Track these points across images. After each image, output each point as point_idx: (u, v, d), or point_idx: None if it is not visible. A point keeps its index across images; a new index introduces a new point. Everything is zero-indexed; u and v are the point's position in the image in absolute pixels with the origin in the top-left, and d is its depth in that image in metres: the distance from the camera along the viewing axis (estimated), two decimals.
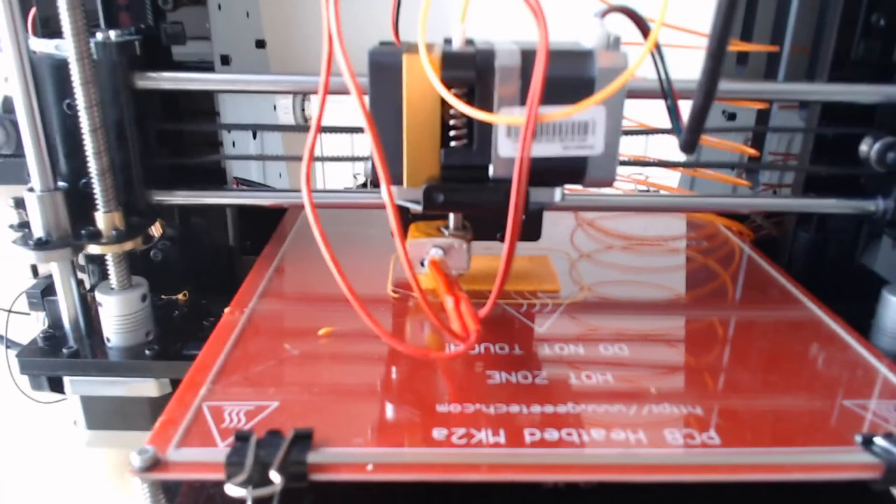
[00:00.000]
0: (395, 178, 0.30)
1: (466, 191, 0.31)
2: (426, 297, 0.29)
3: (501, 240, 0.37)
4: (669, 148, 0.59)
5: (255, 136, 0.54)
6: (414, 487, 0.25)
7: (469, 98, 0.28)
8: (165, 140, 0.42)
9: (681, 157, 0.50)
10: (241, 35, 0.51)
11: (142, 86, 0.39)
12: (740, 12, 0.52)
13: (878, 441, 0.25)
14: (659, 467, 0.24)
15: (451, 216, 0.34)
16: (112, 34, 0.38)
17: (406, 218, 0.36)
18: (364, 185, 0.62)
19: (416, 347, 0.32)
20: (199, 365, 0.30)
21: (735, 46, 0.50)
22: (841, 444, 0.25)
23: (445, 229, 0.35)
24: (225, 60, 0.46)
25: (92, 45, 0.35)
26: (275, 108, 0.57)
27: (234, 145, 0.49)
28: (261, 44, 0.55)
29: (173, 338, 0.39)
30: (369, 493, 0.26)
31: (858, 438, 0.25)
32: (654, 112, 0.41)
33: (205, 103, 0.46)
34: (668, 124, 0.30)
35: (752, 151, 0.46)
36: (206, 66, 0.45)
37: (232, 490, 0.23)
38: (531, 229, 0.36)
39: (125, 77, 0.38)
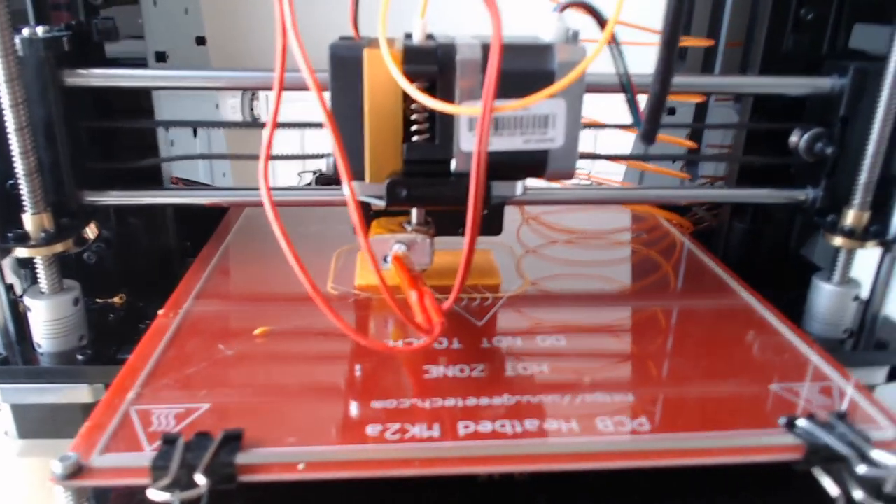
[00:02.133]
0: (357, 174, 0.30)
1: (429, 185, 0.31)
2: (391, 292, 0.28)
3: (463, 234, 0.37)
4: (616, 144, 0.60)
5: (195, 135, 0.53)
6: (357, 484, 0.25)
7: (430, 92, 0.28)
8: (98, 139, 0.41)
9: (623, 152, 0.51)
10: (179, 31, 0.50)
11: (71, 83, 0.37)
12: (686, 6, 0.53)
13: (801, 423, 0.25)
14: (589, 455, 0.24)
15: (414, 211, 0.34)
16: (39, 30, 0.37)
17: (368, 214, 0.36)
18: (317, 181, 0.62)
19: (378, 342, 0.32)
20: (128, 368, 0.29)
21: None
22: (766, 427, 0.26)
23: (408, 225, 0.34)
24: (161, 57, 0.45)
25: (17, 41, 0.34)
26: (217, 106, 0.56)
27: (172, 144, 0.48)
28: (201, 41, 0.54)
29: (108, 342, 0.38)
30: (315, 491, 0.26)
31: (782, 421, 0.26)
32: (605, 108, 0.42)
33: (140, 102, 0.45)
34: (614, 120, 0.31)
35: (691, 144, 0.47)
36: (143, 64, 0.44)
37: (156, 495, 0.22)
38: (493, 224, 0.36)
39: (53, 74, 0.37)
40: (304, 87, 0.26)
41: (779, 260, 0.46)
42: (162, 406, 0.27)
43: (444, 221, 0.35)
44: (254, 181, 0.29)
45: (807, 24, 0.43)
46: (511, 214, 0.50)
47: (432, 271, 0.34)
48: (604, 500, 0.26)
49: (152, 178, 0.44)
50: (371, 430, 0.25)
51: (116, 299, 0.42)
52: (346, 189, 0.27)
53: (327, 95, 0.29)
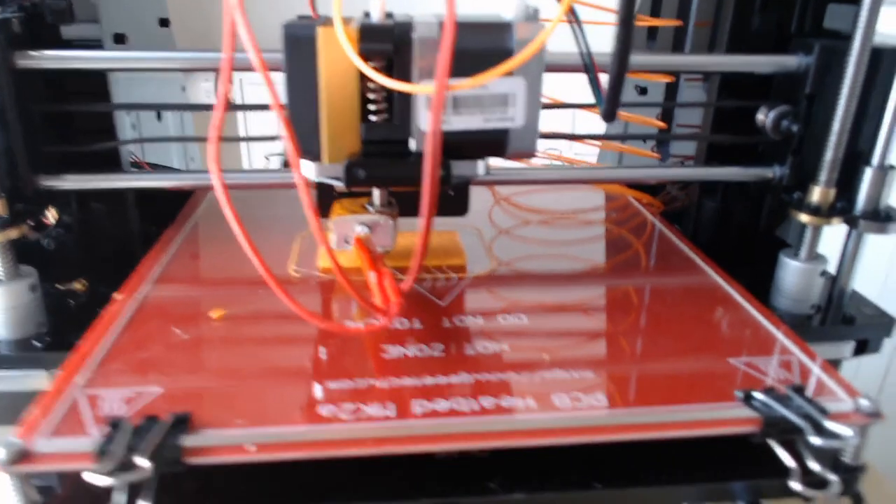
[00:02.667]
0: (315, 155, 0.29)
1: (388, 166, 0.30)
2: (345, 273, 0.28)
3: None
4: (596, 127, 0.59)
5: (159, 118, 0.52)
6: (314, 466, 0.25)
7: (387, 71, 0.28)
8: (55, 123, 0.40)
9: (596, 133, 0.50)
10: (140, 13, 0.49)
11: (23, 65, 0.36)
12: None
13: (758, 396, 0.25)
14: (544, 431, 0.24)
15: (376, 193, 0.34)
16: None
17: (330, 195, 0.35)
18: (284, 163, 0.61)
19: (334, 323, 0.32)
20: (79, 353, 0.28)
21: (644, 22, 0.50)
22: (724, 400, 0.26)
23: (371, 206, 0.34)
24: (120, 39, 0.44)
25: None
26: (184, 89, 0.55)
27: (134, 128, 0.47)
28: (164, 22, 0.53)
29: (68, 328, 0.37)
30: (270, 474, 0.25)
31: (739, 394, 0.26)
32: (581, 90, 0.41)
33: (100, 86, 0.44)
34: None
35: (660, 124, 0.47)
36: (100, 46, 0.43)
37: (94, 478, 0.22)
38: (458, 203, 0.36)
39: (4, 56, 0.36)
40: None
41: (750, 238, 0.46)
42: (112, 390, 0.26)
43: (409, 202, 0.34)
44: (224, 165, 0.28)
45: (774, 3, 0.43)
46: (483, 196, 0.50)
47: (397, 252, 0.34)
48: (562, 475, 0.26)
49: (111, 163, 0.43)
50: (325, 410, 0.25)
51: (78, 285, 0.41)
52: (294, 170, 0.26)
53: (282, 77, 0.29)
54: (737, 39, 0.43)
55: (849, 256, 0.40)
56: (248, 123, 1.10)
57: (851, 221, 0.39)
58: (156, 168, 0.52)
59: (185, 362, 0.29)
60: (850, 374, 0.35)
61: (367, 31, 0.28)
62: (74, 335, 0.37)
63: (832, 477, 0.24)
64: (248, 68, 0.28)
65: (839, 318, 0.41)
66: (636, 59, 0.40)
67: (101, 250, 0.43)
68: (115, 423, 0.24)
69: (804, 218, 0.39)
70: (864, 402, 0.25)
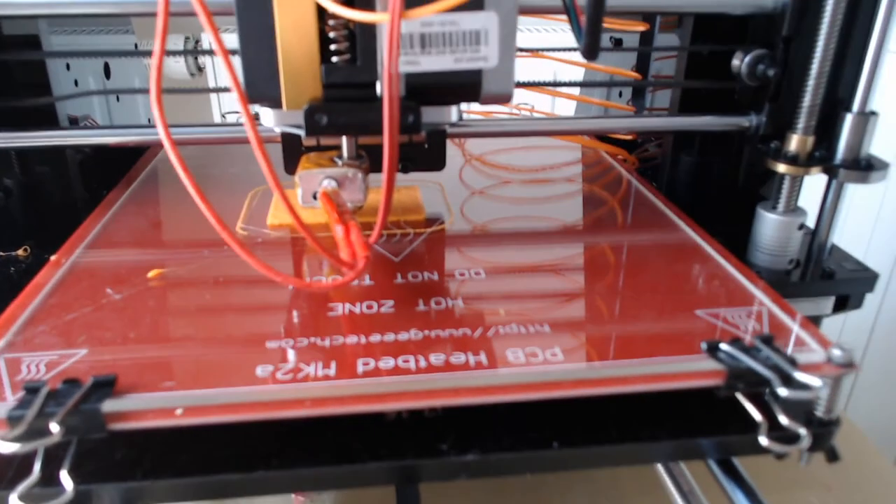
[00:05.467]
0: (275, 101, 0.27)
1: (352, 111, 0.28)
2: (307, 228, 0.26)
3: (403, 170, 0.35)
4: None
5: (108, 77, 0.49)
6: (255, 429, 0.23)
7: (348, 3, 0.25)
8: None
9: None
10: None
11: None
12: None
13: (724, 347, 0.24)
14: (496, 388, 0.22)
15: (344, 144, 0.32)
16: None
17: (297, 149, 0.33)
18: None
19: (300, 280, 0.30)
20: (4, 317, 0.26)
21: None
22: (690, 353, 0.24)
23: (339, 159, 0.32)
24: None
25: None
26: (136, 46, 0.52)
27: (76, 84, 0.44)
28: None
29: (8, 296, 0.35)
30: (208, 438, 0.24)
31: (703, 346, 0.24)
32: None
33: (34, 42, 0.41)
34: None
35: (634, 75, 0.45)
36: None
37: (4, 447, 0.20)
38: (434, 156, 0.34)
39: None
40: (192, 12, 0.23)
41: (729, 194, 0.45)
42: (34, 353, 0.24)
43: (379, 156, 0.32)
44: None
45: None
46: (452, 152, 0.48)
47: (365, 209, 0.32)
48: (518, 434, 0.24)
49: (50, 122, 0.41)
50: (261, 371, 0.23)
51: (20, 251, 0.39)
52: (244, 117, 0.24)
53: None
54: None
55: (829, 208, 0.39)
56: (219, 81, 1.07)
57: (831, 171, 0.37)
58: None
59: (115, 325, 0.27)
60: (834, 332, 0.34)
61: None
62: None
63: (802, 431, 0.22)
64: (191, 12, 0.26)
65: (818, 274, 0.39)
66: (612, 2, 0.38)
67: (46, 215, 0.41)
68: (31, 388, 0.22)
69: (781, 168, 0.37)
70: (836, 353, 0.24)
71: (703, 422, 0.25)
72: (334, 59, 0.27)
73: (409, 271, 0.30)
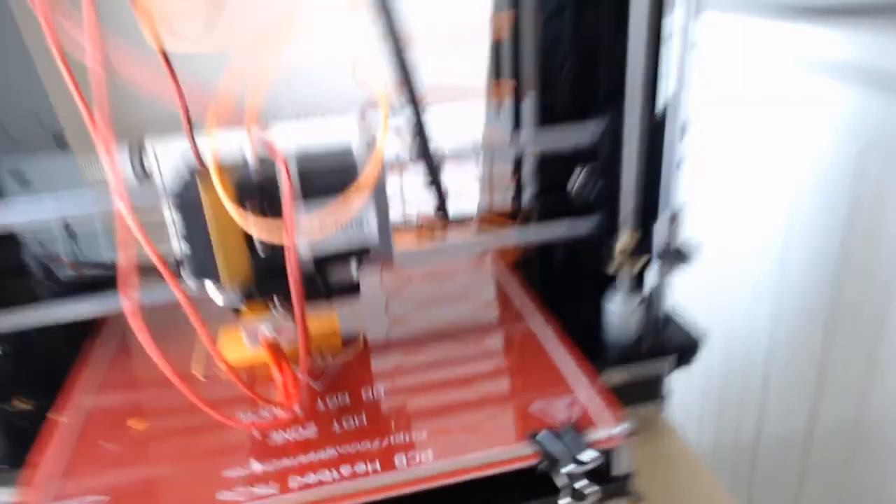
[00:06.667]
0: (215, 278, 0.37)
1: (276, 284, 0.37)
2: (238, 376, 0.35)
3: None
4: None
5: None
6: None
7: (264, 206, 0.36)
8: None
9: None
10: None
11: None
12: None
13: (540, 436, 0.34)
14: (386, 487, 0.33)
15: (276, 300, 0.41)
16: None
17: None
18: None
19: (236, 420, 0.39)
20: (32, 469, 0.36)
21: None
22: (519, 441, 0.35)
23: (274, 308, 0.41)
24: None
25: None
26: None
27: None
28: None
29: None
30: None
31: (527, 435, 0.35)
32: None
33: None
34: None
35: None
36: None
37: None
38: (351, 290, 0.43)
39: None
40: None
41: (596, 280, 0.55)
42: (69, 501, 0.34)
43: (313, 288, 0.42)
44: None
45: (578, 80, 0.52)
46: None
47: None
48: None
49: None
50: (226, 496, 0.33)
51: (20, 403, 0.48)
52: (180, 297, 0.34)
53: None
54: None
55: (656, 290, 0.50)
56: None
57: (648, 262, 0.49)
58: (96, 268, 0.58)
59: (117, 473, 0.36)
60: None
61: (241, 187, 0.35)
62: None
63: (591, 489, 0.33)
64: None
65: (654, 344, 0.50)
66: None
67: (34, 366, 0.50)
68: None
69: (616, 260, 0.49)
70: (622, 427, 0.35)
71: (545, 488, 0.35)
72: (259, 251, 0.38)
73: (327, 395, 0.41)
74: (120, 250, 0.34)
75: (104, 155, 0.33)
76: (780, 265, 0.74)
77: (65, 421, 0.40)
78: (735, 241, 0.81)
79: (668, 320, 0.52)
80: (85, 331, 0.53)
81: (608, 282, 0.51)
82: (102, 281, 0.47)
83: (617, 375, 0.48)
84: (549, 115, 0.52)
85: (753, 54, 0.74)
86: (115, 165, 0.33)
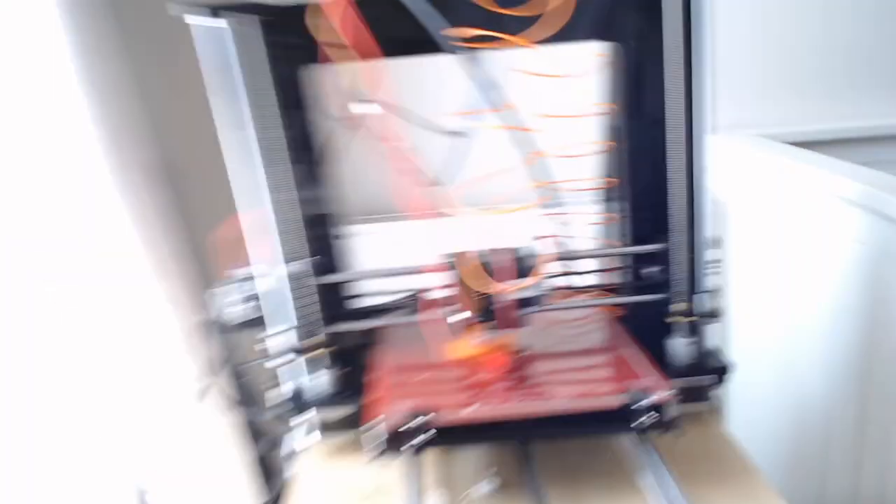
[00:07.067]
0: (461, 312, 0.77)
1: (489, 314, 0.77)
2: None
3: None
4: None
5: None
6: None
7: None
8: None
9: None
10: None
11: None
12: None
13: (629, 391, 0.70)
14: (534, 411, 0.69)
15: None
16: None
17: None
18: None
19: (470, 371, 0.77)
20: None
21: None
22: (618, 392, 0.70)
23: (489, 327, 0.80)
24: None
25: None
26: None
27: None
28: None
29: None
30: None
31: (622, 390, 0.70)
32: None
33: None
34: None
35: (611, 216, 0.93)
36: None
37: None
38: (524, 323, 0.82)
39: None
40: None
41: (664, 325, 0.90)
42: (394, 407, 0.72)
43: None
44: None
45: None
46: None
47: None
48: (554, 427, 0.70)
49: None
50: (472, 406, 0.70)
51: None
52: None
53: None
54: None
55: (699, 334, 0.84)
56: None
57: (700, 317, 0.83)
58: None
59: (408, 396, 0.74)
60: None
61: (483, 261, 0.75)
62: None
63: (652, 419, 0.67)
64: None
65: (699, 367, 0.84)
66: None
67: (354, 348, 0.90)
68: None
69: (674, 317, 0.84)
70: (669, 393, 0.69)
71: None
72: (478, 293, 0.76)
73: (510, 372, 0.77)
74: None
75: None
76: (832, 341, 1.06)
77: (376, 375, 0.79)
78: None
79: (708, 353, 0.85)
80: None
81: (671, 328, 0.86)
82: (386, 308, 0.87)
83: (676, 383, 0.82)
84: (637, 229, 0.88)
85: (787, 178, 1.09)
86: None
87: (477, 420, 0.69)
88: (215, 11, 0.69)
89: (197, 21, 0.69)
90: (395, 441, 0.69)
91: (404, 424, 0.68)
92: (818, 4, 1.53)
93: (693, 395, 0.84)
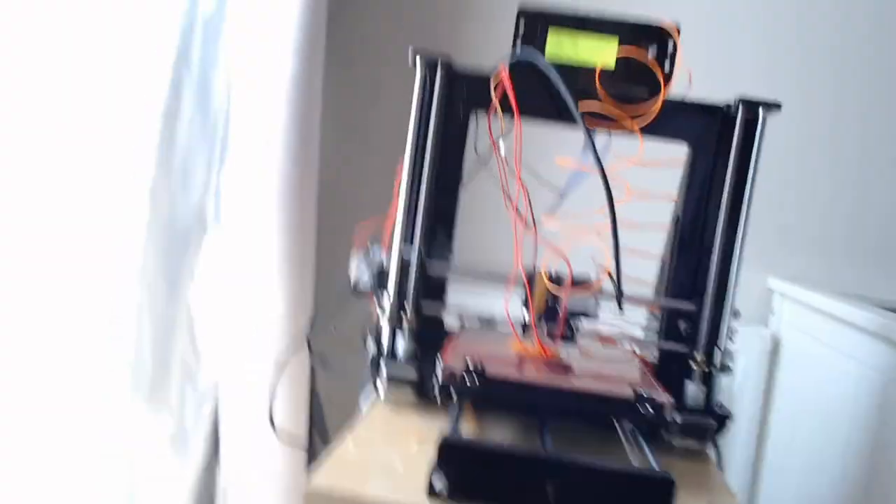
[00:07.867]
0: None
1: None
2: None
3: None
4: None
5: None
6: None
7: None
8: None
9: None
10: None
11: None
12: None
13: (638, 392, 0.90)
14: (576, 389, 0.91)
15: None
16: None
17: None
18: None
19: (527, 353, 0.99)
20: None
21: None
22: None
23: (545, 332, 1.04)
24: None
25: None
26: None
27: None
28: None
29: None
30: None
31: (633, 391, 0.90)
32: None
33: None
34: None
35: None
36: None
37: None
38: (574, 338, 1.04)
39: None
40: None
41: (684, 369, 1.09)
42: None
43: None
44: None
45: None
46: None
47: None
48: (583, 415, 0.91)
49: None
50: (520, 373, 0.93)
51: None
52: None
53: None
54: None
55: (712, 386, 1.03)
56: None
57: (714, 369, 1.03)
58: None
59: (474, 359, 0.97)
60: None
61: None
62: None
63: (654, 416, 0.87)
64: None
65: (705, 411, 1.02)
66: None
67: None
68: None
69: (694, 365, 1.03)
70: (670, 402, 0.89)
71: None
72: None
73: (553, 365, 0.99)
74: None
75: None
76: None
77: (448, 347, 1.03)
78: None
79: (715, 402, 1.04)
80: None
81: (690, 373, 1.05)
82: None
83: (682, 415, 1.01)
84: (677, 290, 1.10)
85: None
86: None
87: (516, 380, 0.91)
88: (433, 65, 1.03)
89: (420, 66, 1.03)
90: (450, 383, 0.91)
91: (459, 371, 0.91)
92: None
93: (695, 432, 1.02)
